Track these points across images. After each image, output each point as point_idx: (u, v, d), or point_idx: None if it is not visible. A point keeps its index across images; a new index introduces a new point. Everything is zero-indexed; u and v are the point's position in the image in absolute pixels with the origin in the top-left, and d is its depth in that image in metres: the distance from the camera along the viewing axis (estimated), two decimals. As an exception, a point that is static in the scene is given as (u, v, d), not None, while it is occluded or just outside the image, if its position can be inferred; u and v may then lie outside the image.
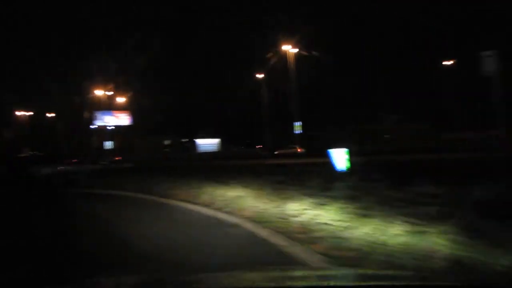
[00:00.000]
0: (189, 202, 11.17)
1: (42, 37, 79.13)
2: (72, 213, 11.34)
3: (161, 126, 55.58)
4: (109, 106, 49.31)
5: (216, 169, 17.75)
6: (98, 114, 48.20)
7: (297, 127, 37.12)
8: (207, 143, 60.03)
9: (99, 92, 46.88)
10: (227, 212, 9.15)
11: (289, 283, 2.58)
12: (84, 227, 8.57)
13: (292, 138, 37.90)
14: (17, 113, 55.29)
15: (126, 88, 49.32)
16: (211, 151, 54.89)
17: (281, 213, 7.90)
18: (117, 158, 30.23)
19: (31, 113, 56.11)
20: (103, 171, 21.20)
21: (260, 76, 45.44)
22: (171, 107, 55.39)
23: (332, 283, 2.48)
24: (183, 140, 65.50)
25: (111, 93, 49.47)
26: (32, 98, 57.40)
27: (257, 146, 57.76)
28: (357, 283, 2.56)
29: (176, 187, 13.14)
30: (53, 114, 57.26)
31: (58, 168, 20.94)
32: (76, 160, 22.89)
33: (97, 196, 15.23)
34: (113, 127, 49.76)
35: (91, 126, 49.53)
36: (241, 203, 9.50)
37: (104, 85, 46.45)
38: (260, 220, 7.78)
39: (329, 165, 11.52)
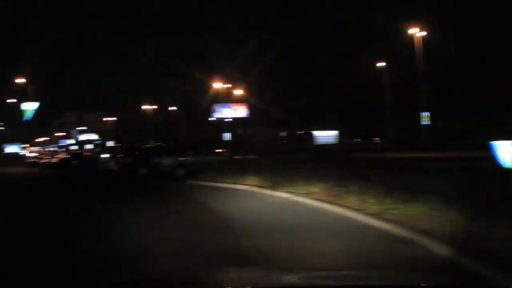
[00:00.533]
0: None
1: (164, 34, 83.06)
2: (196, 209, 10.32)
3: (276, 118, 54.64)
4: (227, 98, 49.48)
5: (355, 163, 15.37)
6: (216, 107, 48.51)
7: (424, 117, 33.18)
8: (325, 135, 58.00)
9: (217, 85, 47.12)
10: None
11: (290, 283, 2.58)
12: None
13: (418, 130, 34.26)
14: (143, 106, 58.19)
15: (243, 80, 49.18)
16: (329, 143, 52.91)
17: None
18: (221, 150, 29.63)
19: (155, 106, 58.69)
20: (225, 163, 20.19)
21: (381, 63, 41.97)
22: (287, 99, 54.22)
23: (333, 284, 2.47)
24: (299, 132, 64.25)
25: (229, 85, 49.61)
26: (156, 92, 60.07)
27: (374, 138, 54.51)
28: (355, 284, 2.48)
29: (314, 183, 11.24)
30: (174, 108, 59.35)
31: (180, 159, 20.39)
32: (194, 152, 22.17)
33: (219, 190, 14.01)
34: (231, 119, 49.92)
35: (210, 118, 50.13)
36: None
37: (222, 77, 46.57)
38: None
39: (491, 161, 9.96)
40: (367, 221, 7.37)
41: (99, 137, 76.15)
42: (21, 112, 58.37)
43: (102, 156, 31.94)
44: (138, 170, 21.59)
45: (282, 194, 11.46)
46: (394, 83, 41.79)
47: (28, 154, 58.40)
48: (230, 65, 50.01)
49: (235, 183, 14.73)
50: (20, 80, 50.41)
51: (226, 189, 14.20)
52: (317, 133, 58.18)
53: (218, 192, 13.63)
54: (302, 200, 10.31)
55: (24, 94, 53.67)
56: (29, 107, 58.25)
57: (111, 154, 28.91)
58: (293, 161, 21.12)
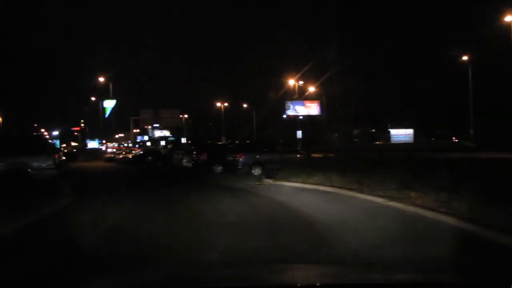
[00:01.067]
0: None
1: (237, 31, 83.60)
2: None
3: (350, 116, 52.94)
4: (300, 96, 48.62)
5: (452, 165, 13.79)
6: (289, 104, 47.74)
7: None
8: (401, 134, 55.41)
9: (290, 82, 46.39)
10: None
11: (290, 282, 2.57)
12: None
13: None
14: (216, 104, 58.77)
15: (316, 78, 48.09)
16: (405, 142, 50.46)
17: None
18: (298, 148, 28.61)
19: (226, 104, 59.04)
20: (303, 162, 19.29)
21: (465, 57, 38.95)
22: (361, 96, 52.42)
23: (333, 282, 2.47)
24: (373, 130, 62.11)
25: (301, 82, 48.74)
26: (228, 90, 60.42)
27: (453, 139, 51.30)
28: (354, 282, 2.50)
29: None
30: (246, 105, 59.36)
31: (257, 157, 19.88)
32: (271, 150, 21.52)
33: (301, 191, 13.12)
34: (302, 117, 49.00)
35: (283, 116, 49.45)
36: None
37: (295, 75, 45.79)
38: None
39: None
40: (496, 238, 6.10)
41: (172, 134, 78.11)
42: (102, 110, 60.90)
43: (177, 152, 32.36)
44: (213, 167, 21.39)
45: (374, 198, 10.36)
46: (479, 79, 38.84)
47: (110, 150, 61.06)
48: (303, 62, 49.09)
49: (317, 183, 13.78)
50: (101, 79, 52.56)
51: (308, 190, 13.27)
52: (393, 132, 55.71)
53: (300, 193, 12.74)
54: (399, 207, 9.16)
55: (105, 93, 55.93)
56: (109, 105, 60.71)
57: (186, 151, 29.12)
58: (374, 160, 19.79)
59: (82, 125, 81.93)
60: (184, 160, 26.28)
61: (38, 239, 7.19)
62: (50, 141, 19.78)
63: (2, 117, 50.17)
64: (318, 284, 2.41)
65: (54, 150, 14.13)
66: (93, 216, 8.88)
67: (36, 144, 13.61)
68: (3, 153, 12.25)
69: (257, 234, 6.94)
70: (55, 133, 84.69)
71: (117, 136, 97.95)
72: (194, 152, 24.79)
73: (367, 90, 52.46)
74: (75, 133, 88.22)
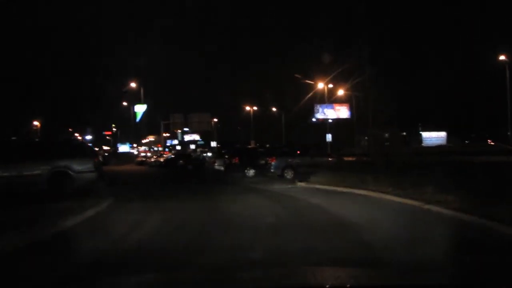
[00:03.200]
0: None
1: (267, 34, 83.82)
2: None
3: (381, 119, 52.24)
4: (329, 99, 48.42)
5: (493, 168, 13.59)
6: (318, 107, 47.61)
7: None
8: (433, 137, 54.43)
9: (319, 85, 46.24)
10: None
11: (289, 283, 2.59)
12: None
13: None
14: (246, 108, 59.07)
15: (346, 80, 47.80)
16: (438, 144, 49.57)
17: None
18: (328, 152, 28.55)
19: (255, 108, 59.30)
20: (335, 165, 19.34)
21: (502, 57, 37.96)
22: (392, 99, 51.71)
23: (331, 283, 2.47)
24: (404, 133, 61.21)
25: (330, 85, 48.52)
26: (257, 93, 60.68)
27: (489, 141, 50.10)
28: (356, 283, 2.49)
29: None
30: (274, 109, 59.49)
31: (288, 160, 20.02)
32: (303, 154, 21.61)
33: (335, 194, 13.18)
34: (331, 120, 48.75)
35: (312, 119, 49.36)
36: None
37: (325, 77, 45.61)
38: None
39: None
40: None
41: (201, 137, 78.99)
42: (134, 114, 62.05)
43: (209, 156, 32.77)
44: (246, 171, 21.65)
45: (410, 202, 10.36)
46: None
47: (141, 154, 62.27)
48: (332, 64, 48.91)
49: (351, 187, 13.82)
50: (133, 85, 53.62)
51: (343, 193, 13.35)
52: (425, 134, 54.80)
53: (335, 196, 12.81)
54: (437, 210, 9.12)
55: (135, 98, 57.02)
56: (139, 109, 61.86)
57: (218, 154, 29.50)
58: (408, 163, 19.61)
59: (114, 129, 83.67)
60: (216, 164, 26.68)
61: (88, 235, 7.56)
62: (89, 145, 20.42)
63: (40, 123, 51.85)
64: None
65: (93, 154, 14.68)
66: (134, 217, 9.24)
67: (78, 148, 14.14)
68: (48, 157, 12.80)
69: (305, 236, 7.06)
70: (88, 137, 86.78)
71: (147, 140, 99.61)
72: (226, 156, 25.16)
73: (398, 92, 51.85)
74: (107, 137, 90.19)
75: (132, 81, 54.05)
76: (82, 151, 13.92)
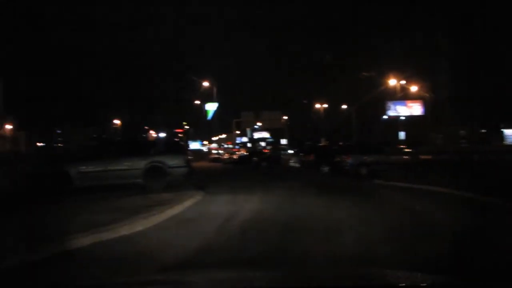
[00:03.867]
0: None
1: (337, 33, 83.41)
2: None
3: (457, 116, 50.66)
4: (402, 96, 47.62)
5: None
6: (390, 104, 47.03)
7: None
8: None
9: (392, 82, 45.63)
10: None
11: (289, 283, 2.63)
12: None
13: None
14: (315, 105, 59.48)
15: (419, 77, 46.82)
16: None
17: None
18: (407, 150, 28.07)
19: (326, 105, 59.48)
20: (412, 163, 19.46)
21: None
22: (469, 95, 49.96)
23: (333, 284, 2.49)
24: (483, 130, 58.66)
25: (403, 82, 47.70)
26: (328, 90, 60.75)
27: None
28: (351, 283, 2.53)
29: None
30: (345, 106, 59.29)
31: (364, 158, 20.37)
32: (377, 151, 21.84)
33: (420, 193, 13.37)
34: (404, 118, 47.93)
35: (384, 117, 48.81)
36: None
37: (397, 74, 44.96)
38: None
39: None
40: None
41: (271, 135, 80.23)
42: (205, 112, 64.36)
43: (284, 153, 33.57)
44: (320, 168, 22.27)
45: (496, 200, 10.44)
46: None
47: (213, 151, 64.56)
48: (404, 60, 48.14)
49: (430, 184, 14.02)
50: (205, 84, 55.71)
51: (422, 191, 13.54)
52: (507, 132, 52.25)
53: (415, 194, 12.92)
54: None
55: (208, 96, 59.14)
56: (211, 107, 64.05)
57: (293, 152, 30.28)
58: (488, 162, 19.32)
59: (187, 127, 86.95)
60: (291, 161, 27.46)
61: (193, 222, 8.65)
62: (181, 143, 21.97)
63: (121, 121, 55.42)
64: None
65: (185, 151, 16.05)
66: (228, 207, 10.29)
67: (171, 145, 15.54)
68: (145, 153, 14.27)
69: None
70: (162, 134, 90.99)
71: (217, 137, 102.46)
72: (301, 153, 25.88)
73: (476, 88, 49.94)
74: (179, 135, 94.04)
75: (205, 80, 56.20)
76: (175, 148, 15.31)
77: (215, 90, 57.80)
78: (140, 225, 8.02)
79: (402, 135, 44.32)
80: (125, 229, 7.59)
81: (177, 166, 14.21)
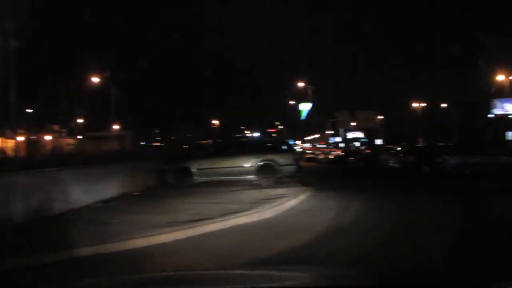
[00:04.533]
0: None
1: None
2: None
3: None
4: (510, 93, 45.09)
5: None
6: (496, 102, 44.78)
7: None
8: None
9: (499, 78, 43.40)
10: None
11: (289, 283, 2.65)
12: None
13: None
14: (414, 104, 58.06)
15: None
16: None
17: None
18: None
19: (424, 104, 57.85)
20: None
21: None
22: None
23: (333, 284, 2.49)
24: None
25: None
26: (426, 89, 59.12)
27: None
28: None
29: None
30: (445, 105, 57.29)
31: (467, 159, 20.20)
32: (482, 152, 21.49)
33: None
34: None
35: (489, 115, 46.57)
36: None
37: (506, 69, 42.69)
38: None
39: None
40: None
41: (365, 135, 79.47)
42: (299, 112, 65.72)
43: (382, 153, 33.63)
44: (421, 169, 22.44)
45: None
46: None
47: (307, 151, 65.86)
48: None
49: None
50: (300, 84, 57.03)
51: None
52: None
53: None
54: None
55: (302, 96, 60.39)
56: (305, 107, 65.26)
57: (393, 152, 30.53)
58: None
59: (280, 127, 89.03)
60: (390, 161, 27.77)
61: (309, 213, 9.97)
62: (291, 142, 23.55)
63: (220, 121, 58.60)
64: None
65: (293, 150, 17.63)
66: (337, 202, 11.49)
67: (282, 145, 17.07)
68: (260, 152, 15.90)
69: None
70: (256, 134, 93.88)
71: (310, 137, 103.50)
72: (401, 154, 26.17)
73: None
74: (273, 135, 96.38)
75: (299, 81, 57.52)
76: (286, 147, 16.81)
77: (310, 90, 58.91)
78: (267, 213, 9.53)
79: (510, 135, 42.14)
80: (256, 216, 9.15)
81: (287, 164, 15.65)
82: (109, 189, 12.50)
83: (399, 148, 31.10)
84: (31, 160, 13.22)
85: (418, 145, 31.32)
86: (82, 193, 10.51)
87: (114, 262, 6.03)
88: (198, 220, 8.23)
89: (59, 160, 13.51)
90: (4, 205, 7.87)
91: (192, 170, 15.65)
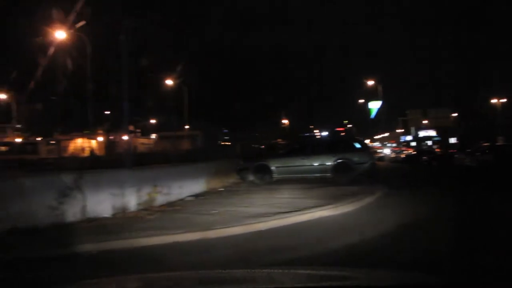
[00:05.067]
0: None
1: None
2: None
3: None
4: None
5: None
6: None
7: None
8: None
9: None
10: None
11: (289, 284, 2.67)
12: None
13: None
14: (492, 100, 55.84)
15: None
16: None
17: None
18: None
19: (504, 100, 55.44)
20: None
21: None
22: None
23: (333, 284, 2.51)
24: None
25: None
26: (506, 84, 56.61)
27: None
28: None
29: None
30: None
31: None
32: None
33: None
34: None
35: None
36: None
37: None
38: None
39: None
40: None
41: (438, 133, 77.25)
42: (368, 111, 65.25)
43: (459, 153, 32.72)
44: (501, 168, 21.95)
45: None
46: None
47: (377, 150, 65.28)
48: None
49: None
50: (370, 82, 56.67)
51: None
52: None
53: None
54: None
55: (372, 94, 59.95)
56: (374, 105, 64.64)
57: (468, 151, 29.84)
58: None
59: (349, 125, 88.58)
60: (466, 160, 27.23)
61: (387, 208, 10.60)
62: (365, 142, 24.05)
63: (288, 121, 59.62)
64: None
65: (368, 149, 18.24)
66: (412, 199, 12.01)
67: (357, 144, 17.67)
68: (334, 151, 16.65)
69: None
70: (324, 133, 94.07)
71: (380, 136, 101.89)
72: (478, 153, 25.66)
73: None
74: (341, 134, 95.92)
75: (370, 79, 57.15)
76: (360, 146, 17.41)
77: (380, 88, 58.35)
78: (348, 207, 10.30)
79: None
80: (340, 209, 9.97)
81: (362, 162, 16.26)
82: (198, 185, 13.84)
83: (475, 147, 30.27)
84: (118, 159, 14.78)
85: (498, 144, 30.33)
86: (178, 188, 11.83)
87: (217, 247, 7.07)
88: (287, 212, 9.19)
89: (147, 158, 15.02)
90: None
91: (271, 168, 16.70)
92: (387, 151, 56.24)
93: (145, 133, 60.96)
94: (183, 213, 9.56)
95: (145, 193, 10.08)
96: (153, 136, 63.26)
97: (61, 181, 8.33)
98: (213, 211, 9.62)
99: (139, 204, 9.81)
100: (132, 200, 9.62)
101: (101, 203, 8.98)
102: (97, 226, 8.16)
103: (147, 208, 9.82)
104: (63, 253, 6.55)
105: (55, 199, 8.12)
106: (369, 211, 10.21)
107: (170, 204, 10.79)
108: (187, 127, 54.09)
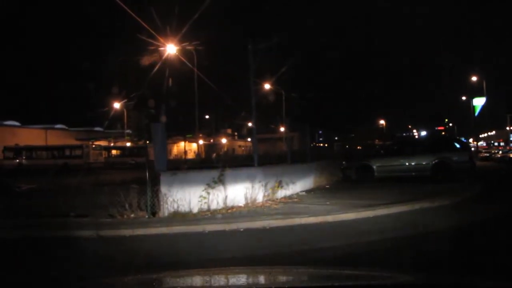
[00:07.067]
0: None
1: None
2: None
3: None
4: None
5: None
6: None
7: None
8: None
9: None
10: None
11: (289, 283, 2.74)
12: None
13: None
14: None
15: None
16: None
17: None
18: None
19: None
20: None
21: None
22: None
23: (334, 284, 2.50)
24: None
25: None
26: None
27: None
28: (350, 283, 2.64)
29: None
30: None
31: None
32: None
33: None
34: None
35: None
36: None
37: None
38: None
39: None
40: None
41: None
42: (472, 108, 63.44)
43: None
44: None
45: None
46: None
47: (483, 150, 63.25)
48: None
49: None
50: (474, 78, 55.39)
51: None
52: None
53: None
54: None
55: (476, 91, 58.39)
56: (479, 102, 62.67)
57: None
58: None
59: (450, 124, 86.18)
60: None
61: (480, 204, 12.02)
62: (465, 141, 24.81)
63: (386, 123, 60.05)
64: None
65: (469, 148, 19.29)
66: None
67: (457, 144, 18.78)
68: (433, 150, 17.96)
69: None
70: (423, 133, 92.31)
71: (484, 134, 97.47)
72: None
73: None
74: (442, 133, 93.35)
75: (474, 75, 55.82)
76: (460, 145, 18.52)
77: (484, 83, 56.73)
78: (444, 201, 11.89)
79: None
80: (437, 202, 11.63)
81: (461, 161, 17.40)
82: (308, 182, 16.14)
83: None
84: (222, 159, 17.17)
85: None
86: (292, 184, 14.12)
87: (335, 227, 9.16)
88: (390, 203, 11.13)
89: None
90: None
91: (373, 167, 18.46)
92: (493, 150, 54.56)
93: (244, 136, 64.58)
94: (302, 204, 11.89)
95: (269, 187, 12.49)
96: (249, 139, 66.87)
97: (210, 175, 10.91)
98: (327, 203, 11.78)
99: (264, 196, 12.22)
100: (260, 192, 12.06)
101: (237, 194, 11.47)
102: (239, 212, 10.64)
103: (271, 200, 12.23)
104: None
105: (204, 190, 10.70)
106: (462, 205, 11.72)
107: (288, 197, 13.15)
108: (282, 129, 56.50)
